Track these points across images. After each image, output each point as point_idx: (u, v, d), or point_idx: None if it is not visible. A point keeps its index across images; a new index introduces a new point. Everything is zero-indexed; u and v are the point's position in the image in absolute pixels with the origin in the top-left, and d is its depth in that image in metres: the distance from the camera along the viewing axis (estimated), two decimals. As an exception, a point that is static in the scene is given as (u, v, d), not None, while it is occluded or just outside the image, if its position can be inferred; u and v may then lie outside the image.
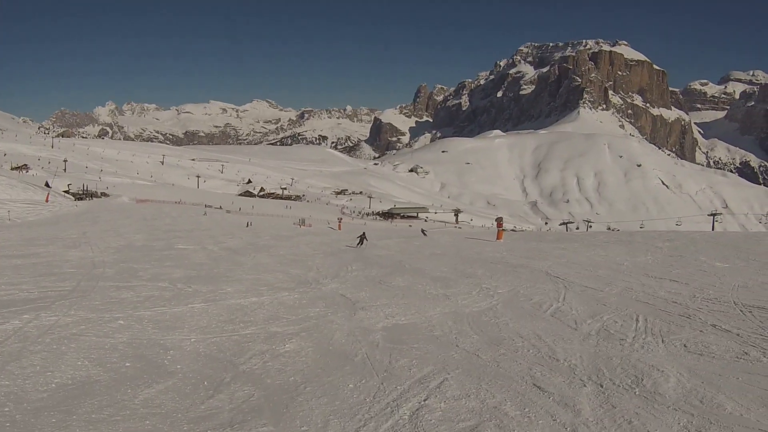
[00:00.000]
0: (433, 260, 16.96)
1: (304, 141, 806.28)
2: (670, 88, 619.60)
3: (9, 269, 12.47)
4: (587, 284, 11.68)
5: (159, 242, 21.33)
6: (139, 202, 65.61)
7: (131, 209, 51.01)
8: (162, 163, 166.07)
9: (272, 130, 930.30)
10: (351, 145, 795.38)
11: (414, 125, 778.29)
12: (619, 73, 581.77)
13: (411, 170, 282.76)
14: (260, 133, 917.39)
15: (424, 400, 5.30)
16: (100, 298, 9.64)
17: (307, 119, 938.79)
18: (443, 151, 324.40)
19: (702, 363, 6.30)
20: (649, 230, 40.32)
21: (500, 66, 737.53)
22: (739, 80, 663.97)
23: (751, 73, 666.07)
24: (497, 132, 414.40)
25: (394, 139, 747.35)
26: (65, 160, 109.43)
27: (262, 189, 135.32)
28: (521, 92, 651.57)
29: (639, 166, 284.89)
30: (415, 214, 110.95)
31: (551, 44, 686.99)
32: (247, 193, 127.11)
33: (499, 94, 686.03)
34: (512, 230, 68.26)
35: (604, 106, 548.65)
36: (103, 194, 69.98)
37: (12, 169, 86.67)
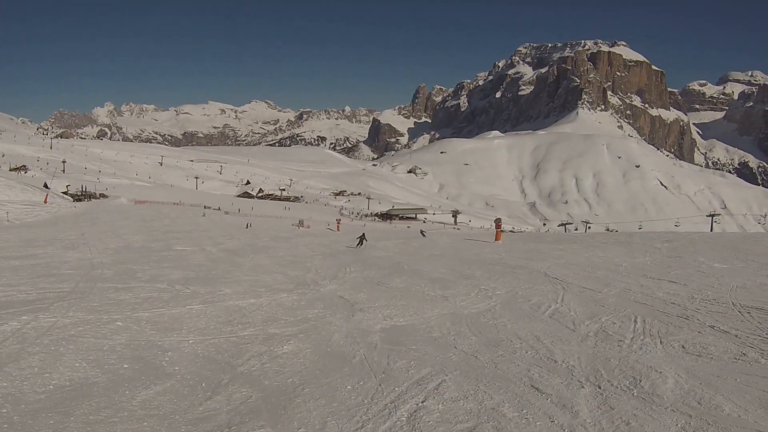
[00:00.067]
0: (432, 261, 16.96)
1: (303, 142, 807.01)
2: (669, 89, 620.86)
3: (7, 270, 12.45)
4: (586, 285, 11.68)
5: (157, 243, 21.30)
6: (138, 203, 65.54)
7: (130, 210, 50.95)
8: (161, 164, 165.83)
9: (271, 131, 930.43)
10: (350, 146, 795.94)
11: (413, 126, 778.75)
12: (618, 73, 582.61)
13: (409, 171, 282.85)
14: (259, 134, 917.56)
15: (422, 402, 5.30)
16: (99, 299, 9.62)
17: (306, 120, 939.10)
18: (442, 152, 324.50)
19: (700, 364, 6.31)
20: (648, 231, 40.34)
21: (499, 67, 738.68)
22: (738, 81, 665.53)
23: (749, 73, 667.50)
24: (496, 133, 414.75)
25: (393, 140, 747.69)
26: (64, 161, 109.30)
27: (260, 190, 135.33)
28: (520, 93, 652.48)
29: (638, 166, 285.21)
30: (414, 215, 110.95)
31: (550, 45, 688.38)
32: (246, 194, 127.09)
33: (498, 94, 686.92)
34: (511, 231, 68.32)
35: (603, 106, 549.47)
36: (102, 195, 69.89)
37: (10, 170, 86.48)
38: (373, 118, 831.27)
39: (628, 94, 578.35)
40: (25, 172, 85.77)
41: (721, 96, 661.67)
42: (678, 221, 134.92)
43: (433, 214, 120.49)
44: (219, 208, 69.16)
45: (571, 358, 6.63)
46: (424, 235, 32.33)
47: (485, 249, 21.29)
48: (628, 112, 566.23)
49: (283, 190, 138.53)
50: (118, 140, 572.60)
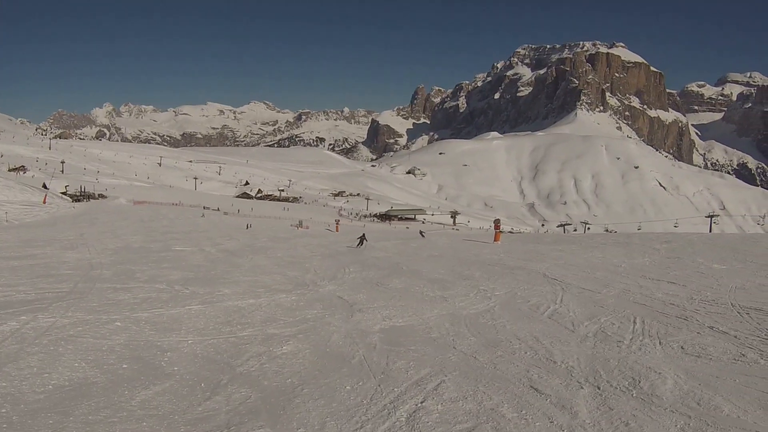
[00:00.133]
0: (431, 262, 16.96)
1: (302, 143, 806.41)
2: (668, 90, 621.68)
3: (6, 271, 12.43)
4: (585, 286, 11.69)
5: (156, 244, 21.28)
6: (137, 203, 65.50)
7: (129, 211, 50.92)
8: (159, 164, 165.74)
9: (270, 131, 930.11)
10: (348, 146, 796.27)
11: (411, 127, 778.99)
12: (617, 74, 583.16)
13: (408, 172, 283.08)
14: (258, 134, 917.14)
15: (421, 402, 5.30)
16: (98, 299, 9.61)
17: (305, 121, 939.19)
18: (441, 153, 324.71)
19: (699, 365, 6.32)
20: (647, 232, 40.38)
21: (497, 68, 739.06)
22: (737, 82, 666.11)
23: (748, 74, 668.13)
24: (495, 134, 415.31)
25: (392, 140, 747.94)
26: (63, 162, 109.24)
27: (259, 191, 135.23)
28: (518, 94, 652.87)
29: (636, 167, 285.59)
30: (413, 216, 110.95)
31: (548, 46, 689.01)
32: (245, 195, 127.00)
33: (497, 95, 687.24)
34: (510, 232, 68.32)
35: (602, 107, 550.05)
36: (101, 196, 69.81)
37: (9, 170, 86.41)
38: (372, 119, 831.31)
39: (627, 95, 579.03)
40: (24, 173, 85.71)
41: (720, 97, 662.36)
42: (677, 222, 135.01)
43: (432, 214, 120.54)
44: (218, 209, 69.14)
45: (570, 358, 6.63)
46: (423, 235, 32.34)
47: (484, 250, 21.30)
48: (627, 113, 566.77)
49: (282, 190, 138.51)
50: (117, 141, 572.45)
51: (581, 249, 20.18)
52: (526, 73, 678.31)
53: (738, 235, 28.65)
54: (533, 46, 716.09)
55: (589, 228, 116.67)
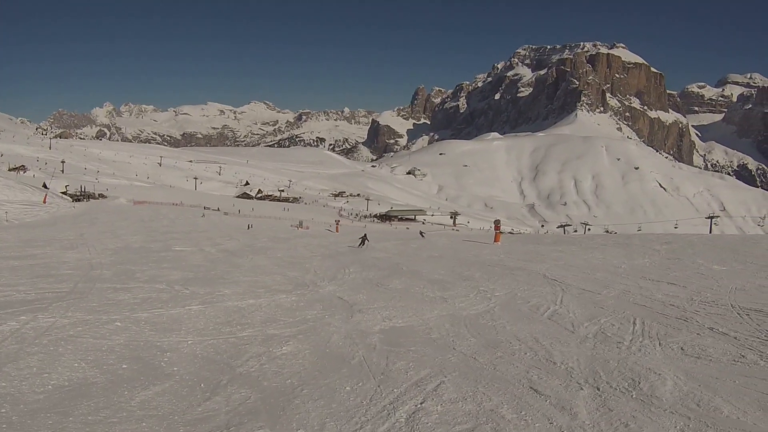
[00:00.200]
0: (431, 263, 16.96)
1: (302, 143, 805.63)
2: (668, 91, 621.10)
3: (6, 270, 12.44)
4: (585, 287, 11.69)
5: (156, 244, 21.28)
6: (137, 203, 65.52)
7: (129, 211, 50.93)
8: (159, 164, 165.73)
9: (270, 131, 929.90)
10: (349, 147, 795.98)
11: (411, 127, 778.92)
12: (617, 75, 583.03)
13: (408, 172, 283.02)
14: (258, 134, 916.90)
15: (421, 403, 5.30)
16: (98, 299, 9.61)
17: (305, 121, 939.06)
18: (441, 154, 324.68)
19: (699, 366, 6.32)
20: (647, 233, 40.40)
21: (498, 68, 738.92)
22: (737, 83, 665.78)
23: (748, 75, 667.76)
24: (495, 134, 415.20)
25: (392, 141, 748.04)
26: (63, 161, 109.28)
27: (259, 191, 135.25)
28: (519, 95, 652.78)
29: (636, 168, 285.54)
30: (413, 217, 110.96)
31: (548, 47, 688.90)
32: (245, 195, 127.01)
33: (497, 96, 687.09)
34: (510, 233, 68.34)
35: (602, 108, 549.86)
36: (101, 195, 69.83)
37: (9, 170, 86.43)
38: (372, 119, 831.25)
39: (627, 96, 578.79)
40: (24, 172, 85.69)
41: (720, 98, 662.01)
42: (677, 223, 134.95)
43: (432, 215, 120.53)
44: (218, 209, 69.16)
45: (570, 359, 6.64)
46: (423, 236, 32.37)
47: (484, 250, 21.30)
48: (627, 114, 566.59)
49: (282, 191, 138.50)
50: (117, 140, 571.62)
51: (581, 250, 20.18)
52: (527, 73, 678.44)
53: (738, 237, 28.63)
54: (534, 47, 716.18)
55: (589, 229, 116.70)
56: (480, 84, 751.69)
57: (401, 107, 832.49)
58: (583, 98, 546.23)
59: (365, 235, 24.90)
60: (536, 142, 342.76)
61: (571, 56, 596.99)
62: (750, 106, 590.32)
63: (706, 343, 7.24)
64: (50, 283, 10.96)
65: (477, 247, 23.60)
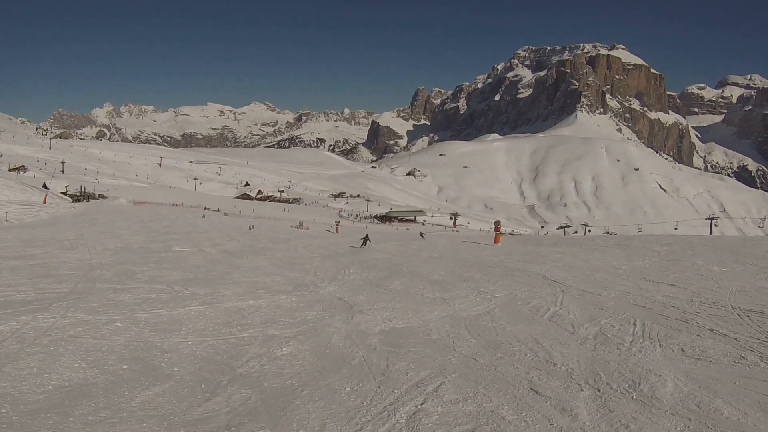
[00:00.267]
0: (431, 264, 16.96)
1: (302, 144, 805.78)
2: (668, 92, 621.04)
3: (6, 271, 12.44)
4: (585, 288, 11.69)
5: (156, 244, 21.29)
6: (137, 204, 65.56)
7: (129, 211, 50.95)
8: (159, 165, 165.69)
9: (270, 132, 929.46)
10: (349, 148, 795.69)
11: (411, 128, 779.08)
12: (617, 76, 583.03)
13: (408, 173, 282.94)
14: (258, 135, 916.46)
15: (421, 404, 5.30)
16: (98, 300, 9.61)
17: (305, 122, 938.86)
18: (441, 155, 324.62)
19: (699, 367, 6.32)
20: (647, 234, 40.40)
21: (498, 69, 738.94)
22: (737, 84, 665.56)
23: (748, 77, 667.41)
24: (495, 135, 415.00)
25: (392, 142, 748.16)
26: (63, 162, 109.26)
27: (259, 192, 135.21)
28: (519, 96, 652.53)
29: (636, 169, 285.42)
30: (413, 218, 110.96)
31: (549, 48, 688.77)
32: (245, 196, 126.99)
33: (497, 97, 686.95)
34: (510, 234, 68.34)
35: (602, 109, 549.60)
36: (101, 196, 69.88)
37: (9, 170, 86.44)
38: (372, 120, 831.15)
39: (627, 97, 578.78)
40: (24, 173, 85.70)
41: (720, 99, 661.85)
42: (677, 224, 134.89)
43: (432, 216, 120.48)
44: (218, 210, 69.17)
45: (570, 361, 6.64)
46: (423, 237, 32.39)
47: (484, 251, 21.31)
48: (627, 115, 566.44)
49: (282, 191, 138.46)
50: (117, 141, 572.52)
51: (581, 251, 20.19)
52: (527, 74, 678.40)
53: (738, 238, 28.65)
54: (533, 48, 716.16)
55: (589, 230, 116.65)
56: (480, 85, 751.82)
57: (401, 108, 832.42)
58: (583, 99, 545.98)
59: (367, 235, 25.30)
60: (536, 144, 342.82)
61: (571, 57, 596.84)
62: (750, 107, 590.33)
63: (706, 344, 7.24)
64: (50, 284, 10.96)
65: (477, 248, 23.61)
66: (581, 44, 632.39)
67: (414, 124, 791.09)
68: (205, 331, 8.01)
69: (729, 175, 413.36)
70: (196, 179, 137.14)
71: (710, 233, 70.93)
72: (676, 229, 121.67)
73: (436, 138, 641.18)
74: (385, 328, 8.42)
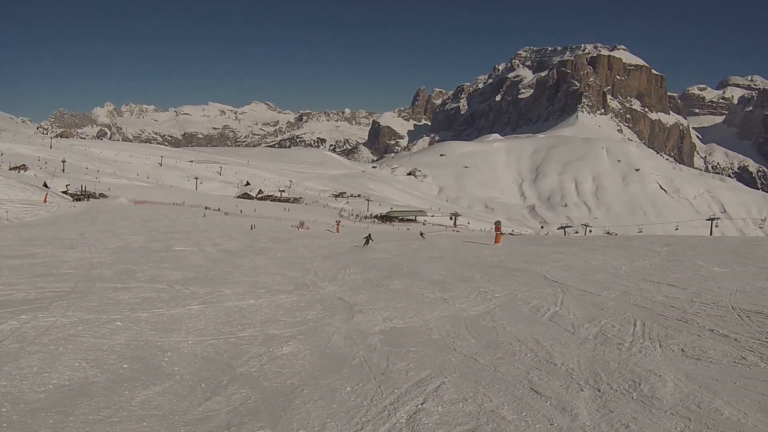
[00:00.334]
0: (431, 263, 16.96)
1: (303, 143, 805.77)
2: (669, 93, 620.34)
3: (6, 270, 12.44)
4: (585, 288, 11.69)
5: (157, 244, 21.30)
6: (137, 203, 65.57)
7: (129, 210, 50.97)
8: (160, 164, 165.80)
9: (270, 132, 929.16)
10: (349, 147, 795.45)
11: (412, 128, 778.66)
12: (618, 77, 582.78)
13: (409, 173, 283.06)
14: (258, 135, 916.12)
15: (422, 404, 5.30)
16: (98, 299, 9.61)
17: (306, 122, 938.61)
18: (441, 155, 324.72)
19: (699, 368, 6.32)
20: (647, 234, 40.36)
21: (499, 70, 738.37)
22: (738, 85, 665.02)
23: (749, 78, 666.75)
24: (495, 136, 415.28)
25: (393, 142, 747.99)
26: (63, 161, 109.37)
27: (260, 191, 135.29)
28: (519, 96, 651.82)
29: (637, 170, 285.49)
30: (413, 218, 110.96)
31: (549, 48, 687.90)
32: (245, 196, 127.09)
33: (498, 97, 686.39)
34: (510, 234, 68.30)
35: (603, 110, 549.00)
36: (101, 195, 69.97)
37: (10, 169, 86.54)
38: (373, 120, 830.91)
39: (628, 97, 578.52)
40: (25, 172, 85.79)
41: (721, 100, 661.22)
42: (677, 225, 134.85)
43: (433, 216, 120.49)
44: (219, 209, 69.18)
45: (570, 361, 6.64)
46: (423, 237, 32.40)
47: (484, 251, 21.31)
48: (628, 115, 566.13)
49: (283, 191, 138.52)
50: (118, 140, 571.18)
51: (582, 251, 20.19)
52: (528, 75, 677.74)
53: (738, 238, 28.64)
54: (534, 48, 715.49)
55: (589, 230, 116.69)
56: (481, 85, 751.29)
57: (402, 108, 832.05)
58: (583, 100, 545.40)
59: (369, 235, 25.78)
60: (537, 144, 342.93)
61: (572, 58, 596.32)
62: (751, 108, 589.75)
63: (706, 344, 7.24)
64: (51, 283, 10.97)
65: (477, 248, 23.61)
66: (582, 45, 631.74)
67: (415, 124, 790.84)
68: (205, 330, 8.01)
69: (730, 176, 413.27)
70: (196, 179, 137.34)
71: (711, 234, 70.88)
72: (676, 229, 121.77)
73: (437, 138, 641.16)
74: (386, 328, 8.42)
